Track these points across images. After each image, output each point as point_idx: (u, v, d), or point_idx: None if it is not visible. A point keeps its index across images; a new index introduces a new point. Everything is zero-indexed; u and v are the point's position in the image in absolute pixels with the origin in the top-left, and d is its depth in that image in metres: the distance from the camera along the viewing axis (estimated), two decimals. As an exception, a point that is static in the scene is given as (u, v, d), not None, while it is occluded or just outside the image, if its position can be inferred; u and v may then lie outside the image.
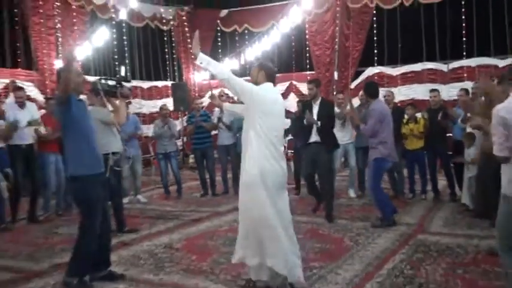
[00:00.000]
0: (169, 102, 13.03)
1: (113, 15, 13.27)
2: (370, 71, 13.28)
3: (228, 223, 6.47)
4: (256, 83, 4.09)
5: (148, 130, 12.16)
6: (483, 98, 5.74)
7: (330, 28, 13.57)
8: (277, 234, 3.85)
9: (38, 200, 7.40)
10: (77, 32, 12.48)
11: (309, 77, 13.38)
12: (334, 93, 11.62)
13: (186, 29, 15.40)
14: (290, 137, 10.30)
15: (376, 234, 5.67)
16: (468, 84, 9.19)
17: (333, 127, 6.86)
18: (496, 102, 3.63)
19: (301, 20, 13.71)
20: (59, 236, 6.41)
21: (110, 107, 5.46)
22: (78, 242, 4.30)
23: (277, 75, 13.93)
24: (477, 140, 6.26)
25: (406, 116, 7.82)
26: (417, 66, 12.69)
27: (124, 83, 4.99)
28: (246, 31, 15.23)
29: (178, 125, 12.18)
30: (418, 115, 7.88)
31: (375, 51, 13.32)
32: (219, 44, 15.77)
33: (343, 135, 7.83)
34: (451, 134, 7.66)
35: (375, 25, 13.19)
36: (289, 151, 11.29)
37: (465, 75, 11.99)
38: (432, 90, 7.90)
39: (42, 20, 11.70)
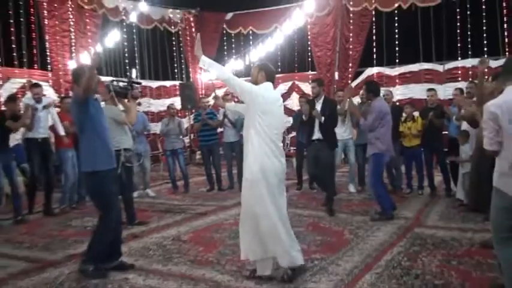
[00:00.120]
0: (177, 102, 13.08)
1: (124, 18, 13.32)
2: (370, 71, 13.27)
3: (233, 217, 6.47)
4: (256, 83, 4.10)
5: (156, 128, 12.20)
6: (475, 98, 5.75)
7: (331, 30, 13.56)
8: (278, 230, 3.89)
9: (52, 194, 7.43)
10: (90, 34, 12.52)
11: (310, 77, 13.43)
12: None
13: (193, 30, 15.41)
14: (292, 134, 10.30)
15: (375, 228, 5.67)
16: (463, 84, 9.19)
17: (335, 125, 6.86)
18: (489, 98, 3.63)
19: (303, 23, 13.71)
20: (73, 228, 6.44)
21: (121, 107, 5.51)
22: (96, 233, 4.36)
23: (281, 75, 14.11)
24: (471, 137, 6.26)
25: (404, 115, 7.82)
26: (414, 67, 12.70)
27: (134, 85, 5.04)
28: (251, 33, 15.20)
29: (186, 123, 12.21)
30: (416, 114, 7.88)
31: (374, 52, 13.30)
32: (225, 45, 15.77)
33: (343, 131, 7.81)
34: (446, 132, 7.64)
35: (374, 27, 13.17)
36: (292, 148, 11.31)
37: (460, 74, 12.03)
38: (429, 90, 7.89)
39: (57, 23, 11.81)
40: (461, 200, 6.63)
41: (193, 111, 11.96)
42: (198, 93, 14.37)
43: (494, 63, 11.35)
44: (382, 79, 12.88)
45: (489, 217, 3.38)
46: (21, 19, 11.45)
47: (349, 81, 13.35)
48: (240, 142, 8.27)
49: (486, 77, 5.43)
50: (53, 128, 7.56)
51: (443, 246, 4.81)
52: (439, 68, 12.44)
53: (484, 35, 11.91)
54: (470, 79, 10.02)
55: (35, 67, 11.72)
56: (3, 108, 7.73)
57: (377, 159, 6.11)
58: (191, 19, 15.48)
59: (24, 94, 10.23)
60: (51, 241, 5.69)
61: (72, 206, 7.61)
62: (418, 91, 12.20)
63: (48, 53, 11.83)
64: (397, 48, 12.94)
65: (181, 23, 15.30)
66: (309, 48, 14.20)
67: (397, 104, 10.36)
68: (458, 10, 12.11)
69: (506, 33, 11.67)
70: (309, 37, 14.06)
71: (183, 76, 15.88)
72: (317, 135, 6.61)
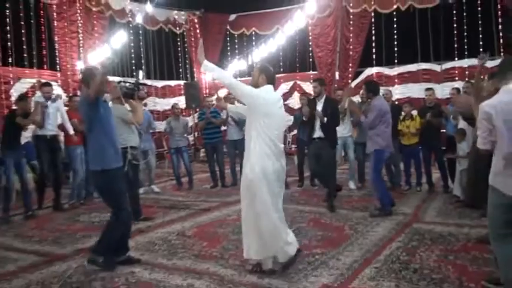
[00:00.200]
0: (181, 101, 13.09)
1: (130, 20, 13.34)
2: (369, 71, 13.27)
3: (236, 212, 6.45)
4: (257, 85, 4.09)
5: (161, 126, 12.19)
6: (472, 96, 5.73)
7: (332, 31, 13.55)
8: (277, 229, 3.91)
9: (61, 190, 7.44)
10: (97, 35, 12.53)
11: (312, 77, 13.42)
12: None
13: (198, 31, 15.41)
14: (294, 132, 10.30)
15: (374, 223, 5.65)
16: (460, 84, 9.17)
17: (337, 124, 6.83)
18: (486, 98, 3.62)
19: (304, 24, 13.72)
20: (81, 223, 6.45)
21: (128, 107, 5.52)
22: (107, 227, 4.39)
23: (283, 75, 14.09)
24: (468, 135, 6.24)
25: (402, 114, 7.79)
26: (413, 67, 12.71)
27: (141, 86, 5.06)
28: (253, 34, 15.21)
29: (190, 121, 12.21)
30: (414, 113, 7.85)
31: (374, 52, 13.29)
32: (228, 46, 15.79)
33: (343, 129, 7.76)
34: (444, 130, 7.62)
35: (373, 28, 13.16)
36: (293, 145, 11.30)
37: (457, 74, 12.03)
38: (427, 89, 7.86)
39: (65, 24, 11.85)
40: (458, 196, 6.61)
41: (198, 110, 11.96)
42: (202, 93, 14.38)
43: (490, 63, 11.34)
44: (382, 79, 12.88)
45: (486, 213, 3.37)
46: (32, 21, 11.48)
47: (350, 81, 13.36)
48: (243, 140, 8.25)
49: (482, 76, 5.40)
50: (62, 126, 7.57)
51: (440, 242, 4.80)
52: (436, 68, 12.44)
53: (480, 35, 11.94)
54: (466, 79, 10.00)
55: (45, 67, 11.76)
56: (14, 107, 7.73)
57: (378, 155, 6.08)
58: (195, 20, 15.48)
59: (34, 93, 10.25)
60: (59, 236, 5.70)
61: (80, 202, 7.62)
62: (416, 90, 12.18)
63: (57, 54, 11.86)
64: (395, 49, 12.95)
65: (186, 24, 15.30)
66: (310, 48, 14.21)
67: (396, 103, 10.34)
68: (455, 11, 12.13)
69: (501, 34, 11.68)
70: (310, 38, 14.07)
71: (188, 76, 15.87)
72: (318, 133, 6.59)
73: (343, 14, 13.33)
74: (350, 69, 13.49)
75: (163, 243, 5.14)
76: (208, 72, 4.03)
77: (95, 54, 12.10)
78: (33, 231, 6.00)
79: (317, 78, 7.30)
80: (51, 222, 6.50)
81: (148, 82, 13.40)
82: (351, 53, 13.39)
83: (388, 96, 8.01)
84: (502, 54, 11.53)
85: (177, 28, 15.03)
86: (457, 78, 11.78)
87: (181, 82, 15.01)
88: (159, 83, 14.73)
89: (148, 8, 13.38)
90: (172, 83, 15.15)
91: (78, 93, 10.43)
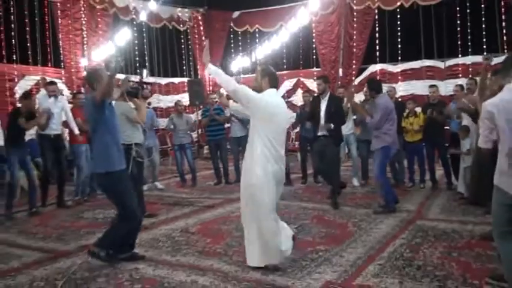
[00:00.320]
0: (185, 98, 13.08)
1: (134, 17, 13.33)
2: (373, 68, 13.23)
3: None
4: (261, 89, 4.08)
5: (165, 123, 12.19)
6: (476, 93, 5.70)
7: (335, 28, 13.50)
8: (276, 231, 3.93)
9: (65, 187, 7.45)
10: (101, 33, 12.53)
11: (315, 74, 13.40)
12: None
13: (201, 28, 15.39)
14: (297, 129, 10.29)
15: (378, 220, 5.64)
16: (463, 81, 9.11)
17: (343, 122, 6.78)
18: (489, 96, 3.60)
19: (308, 21, 13.66)
20: (85, 219, 6.45)
21: (132, 105, 5.51)
22: (113, 224, 4.43)
23: (286, 72, 14.09)
24: (471, 132, 6.20)
25: (406, 110, 7.76)
26: (416, 64, 12.65)
27: (145, 85, 5.06)
28: (257, 31, 15.16)
29: (194, 118, 12.21)
30: (418, 109, 7.82)
31: (377, 49, 13.25)
32: (232, 43, 15.76)
33: (345, 127, 7.70)
34: (448, 127, 7.59)
35: (377, 25, 13.12)
36: (297, 142, 11.29)
37: (460, 71, 11.99)
38: (431, 86, 7.84)
39: (69, 22, 11.85)
40: (462, 193, 6.58)
41: (201, 107, 11.96)
42: (206, 90, 14.37)
43: (493, 61, 11.29)
44: (385, 76, 12.86)
45: (489, 210, 3.36)
46: (36, 19, 11.49)
47: (353, 78, 13.34)
48: (246, 137, 8.23)
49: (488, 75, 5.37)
50: (66, 123, 7.58)
51: (444, 238, 4.79)
52: (440, 64, 12.39)
53: (484, 32, 11.89)
54: (470, 76, 9.95)
55: (49, 65, 11.77)
56: (18, 104, 7.74)
57: (385, 152, 6.04)
58: (199, 18, 15.45)
59: (38, 91, 10.27)
60: (63, 232, 5.71)
61: (84, 199, 7.63)
62: (419, 87, 12.14)
63: (61, 51, 11.87)
64: (399, 46, 12.86)
65: (190, 22, 15.27)
66: (314, 45, 14.15)
67: (400, 100, 10.29)
68: (458, 8, 12.07)
69: (504, 31, 11.62)
70: (314, 35, 14.01)
71: (191, 73, 15.85)
72: (323, 131, 6.56)
73: (346, 11, 13.28)
74: (353, 66, 13.45)
75: (167, 240, 5.14)
76: (212, 76, 4.00)
77: (98, 51, 12.11)
78: (37, 228, 6.01)
79: (321, 76, 7.27)
80: (55, 219, 6.51)
81: (152, 79, 13.41)
82: (354, 50, 13.34)
83: (392, 93, 7.99)
84: (505, 51, 11.47)
85: (181, 25, 15.01)
86: (460, 75, 11.73)
87: (185, 79, 14.98)
88: (163, 80, 14.71)
89: (152, 5, 13.35)
90: (176, 80, 15.12)
91: (82, 90, 10.46)
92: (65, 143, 7.87)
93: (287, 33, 13.77)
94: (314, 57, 14.30)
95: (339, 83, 12.82)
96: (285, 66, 14.55)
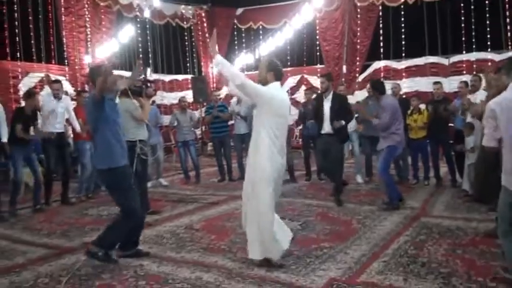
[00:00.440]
0: (189, 95, 13.08)
1: (137, 14, 13.34)
2: (377, 64, 13.20)
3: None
4: (266, 82, 4.07)
5: (168, 120, 12.20)
6: (482, 90, 5.68)
7: (339, 25, 13.49)
8: (274, 225, 3.93)
9: (69, 184, 7.47)
10: (105, 30, 12.55)
11: (319, 71, 13.38)
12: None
13: (205, 25, 15.38)
14: (301, 126, 10.27)
15: (382, 217, 5.63)
16: (467, 77, 9.09)
17: (348, 120, 6.73)
18: (495, 94, 3.59)
19: (312, 17, 13.67)
20: (89, 216, 6.47)
21: (136, 103, 5.52)
22: (114, 223, 4.38)
23: (290, 68, 14.06)
24: (476, 129, 6.18)
25: (410, 107, 7.73)
26: (420, 60, 12.62)
27: (149, 84, 5.08)
28: (261, 28, 15.15)
29: (197, 115, 12.21)
30: (422, 106, 7.79)
31: (381, 46, 13.21)
32: (235, 40, 15.75)
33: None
34: (452, 124, 7.56)
35: (381, 22, 13.09)
36: (300, 139, 11.27)
37: (464, 68, 11.94)
38: (435, 83, 7.80)
39: (73, 19, 11.87)
40: (466, 190, 6.57)
41: (205, 104, 11.96)
42: (210, 87, 14.37)
43: (497, 57, 11.28)
44: (389, 72, 12.85)
45: (493, 208, 3.37)
46: (40, 16, 11.52)
47: (357, 75, 13.32)
48: (250, 134, 8.23)
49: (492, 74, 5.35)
50: (70, 121, 7.59)
51: (448, 236, 4.77)
52: (444, 61, 12.35)
53: (488, 29, 11.88)
54: (474, 72, 9.92)
55: (53, 62, 11.80)
56: (22, 103, 7.75)
57: (391, 151, 6.03)
58: (203, 14, 15.46)
59: (42, 88, 10.29)
60: (68, 229, 5.72)
61: (88, 196, 7.64)
62: (424, 84, 12.11)
63: (65, 48, 11.89)
64: (403, 42, 12.87)
65: (193, 19, 15.28)
66: (318, 42, 14.14)
67: (404, 96, 10.27)
68: (462, 5, 12.03)
69: (509, 28, 11.58)
70: (318, 31, 14.00)
71: (195, 70, 15.86)
72: (326, 129, 6.53)
73: (350, 7, 13.26)
74: (357, 63, 13.44)
75: (171, 237, 5.15)
76: (219, 68, 3.98)
77: (102, 48, 12.13)
78: (42, 225, 6.03)
79: (324, 74, 7.22)
80: (60, 216, 6.53)
81: (156, 76, 13.42)
82: (358, 46, 13.32)
83: (396, 89, 7.97)
84: (510, 47, 11.44)
85: (184, 22, 15.02)
86: (464, 72, 11.67)
87: (189, 76, 15.00)
88: (167, 77, 14.73)
89: (156, 2, 13.38)
90: (180, 77, 15.14)
91: (86, 87, 10.48)
92: (68, 140, 7.87)
93: (291, 30, 13.78)
94: (318, 54, 14.29)
95: (343, 79, 12.81)
96: (288, 63, 14.52)
